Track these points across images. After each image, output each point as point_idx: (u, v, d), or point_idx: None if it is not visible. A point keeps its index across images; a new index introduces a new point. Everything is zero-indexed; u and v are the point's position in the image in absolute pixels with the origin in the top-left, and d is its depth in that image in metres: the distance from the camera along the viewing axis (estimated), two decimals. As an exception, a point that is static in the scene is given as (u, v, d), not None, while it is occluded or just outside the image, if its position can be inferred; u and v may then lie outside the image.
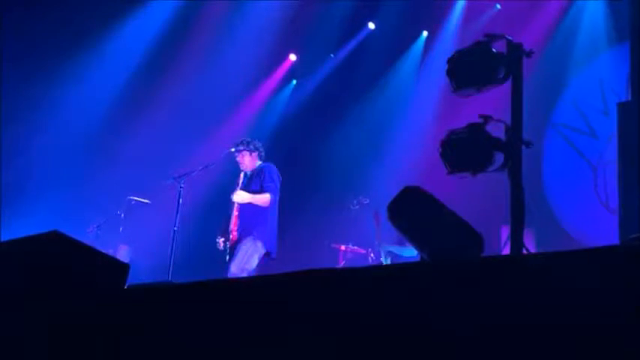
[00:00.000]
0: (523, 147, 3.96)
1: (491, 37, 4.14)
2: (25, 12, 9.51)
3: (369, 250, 8.98)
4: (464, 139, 3.99)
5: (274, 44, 10.81)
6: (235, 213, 7.24)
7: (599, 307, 1.99)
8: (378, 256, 8.72)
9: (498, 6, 10.03)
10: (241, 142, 7.57)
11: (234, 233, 7.18)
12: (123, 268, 2.94)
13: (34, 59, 9.82)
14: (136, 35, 10.48)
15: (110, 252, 8.22)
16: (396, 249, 8.55)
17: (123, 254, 9.70)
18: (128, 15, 10.42)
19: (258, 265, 7.16)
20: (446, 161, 4.03)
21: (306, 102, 11.42)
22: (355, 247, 9.20)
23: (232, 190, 7.36)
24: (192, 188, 8.24)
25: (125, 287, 2.99)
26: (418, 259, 8.06)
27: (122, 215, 9.07)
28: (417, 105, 10.71)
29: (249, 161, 7.48)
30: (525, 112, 4.01)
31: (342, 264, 9.15)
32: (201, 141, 10.49)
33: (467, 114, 4.23)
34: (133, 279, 3.39)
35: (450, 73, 4.20)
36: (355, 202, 9.27)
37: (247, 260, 7.04)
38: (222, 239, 7.30)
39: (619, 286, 1.99)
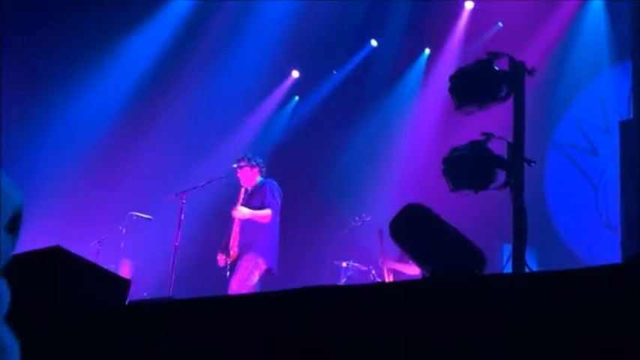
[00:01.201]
0: (525, 165, 3.96)
1: (493, 55, 4.16)
2: (29, 27, 9.55)
3: (371, 267, 8.95)
4: (466, 156, 4.00)
5: (277, 61, 10.84)
6: (236, 229, 7.23)
7: (601, 325, 1.99)
8: (380, 273, 8.69)
9: (500, 24, 10.06)
10: (242, 158, 7.58)
11: (235, 249, 7.16)
12: (124, 283, 2.94)
13: (37, 75, 9.85)
14: (138, 51, 10.51)
15: (112, 267, 8.22)
16: (399, 266, 8.51)
17: (126, 269, 9.68)
18: (130, 32, 10.45)
19: (259, 281, 7.14)
20: (448, 179, 4.04)
21: (308, 118, 11.43)
22: (357, 264, 9.16)
23: (233, 206, 7.36)
24: (194, 204, 8.24)
25: (126, 303, 2.98)
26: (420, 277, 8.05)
27: (124, 230, 9.06)
28: (420, 122, 10.72)
29: (250, 177, 7.48)
30: (527, 129, 4.02)
31: (343, 281, 9.13)
32: (204, 157, 10.49)
33: (469, 131, 4.23)
34: (134, 294, 3.38)
35: (452, 90, 4.21)
36: (357, 218, 9.25)
37: (248, 276, 7.02)
38: (224, 256, 7.28)
39: (621, 304, 1.99)
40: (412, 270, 8.25)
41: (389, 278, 8.42)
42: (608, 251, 7.13)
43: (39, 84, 9.84)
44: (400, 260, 8.41)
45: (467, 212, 6.30)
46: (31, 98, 9.74)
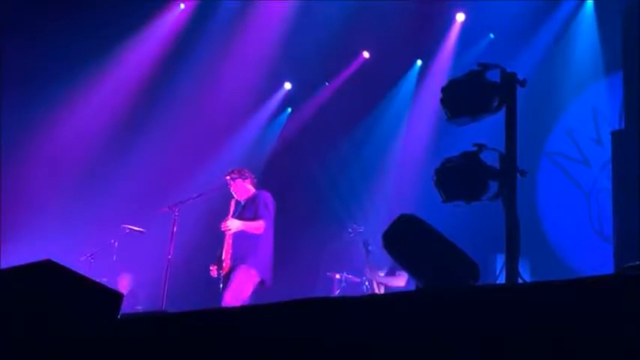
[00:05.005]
0: (517, 175, 3.97)
1: (484, 66, 4.17)
2: (25, 40, 9.56)
3: (364, 278, 8.95)
4: (458, 167, 4.00)
5: (269, 72, 10.86)
6: (229, 241, 7.19)
7: (593, 336, 1.99)
8: (372, 284, 8.69)
9: (492, 35, 10.11)
10: (233, 171, 7.56)
11: (228, 262, 7.11)
12: (116, 297, 2.93)
13: (31, 88, 9.84)
14: (128, 63, 10.51)
15: (104, 280, 8.19)
16: (384, 279, 8.49)
17: (125, 282, 9.66)
18: (124, 45, 10.46)
19: (253, 293, 7.10)
20: (441, 190, 4.04)
21: (300, 130, 11.45)
22: (350, 276, 9.16)
23: (224, 219, 7.29)
24: (187, 216, 8.22)
25: (119, 316, 2.97)
26: (404, 289, 8.08)
27: (116, 244, 9.04)
28: (412, 133, 10.74)
29: (243, 189, 7.45)
30: (519, 140, 4.03)
31: (336, 292, 9.11)
32: (197, 169, 10.49)
33: (462, 142, 4.24)
34: (128, 307, 3.37)
35: (444, 101, 4.22)
36: (350, 230, 9.25)
37: (241, 289, 6.98)
38: (217, 268, 7.23)
39: (614, 315, 1.99)
40: (397, 282, 8.26)
41: (379, 290, 8.42)
42: (601, 261, 7.15)
43: (29, 94, 9.82)
44: (389, 273, 8.42)
45: (460, 223, 6.31)
46: (22, 110, 9.72)
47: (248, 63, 10.65)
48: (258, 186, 7.61)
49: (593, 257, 8.35)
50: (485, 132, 4.62)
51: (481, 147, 4.02)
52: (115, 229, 9.08)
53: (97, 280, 3.16)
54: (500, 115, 4.15)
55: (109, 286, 3.18)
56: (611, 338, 1.96)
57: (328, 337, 2.34)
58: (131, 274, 9.73)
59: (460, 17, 10.27)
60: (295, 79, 11.48)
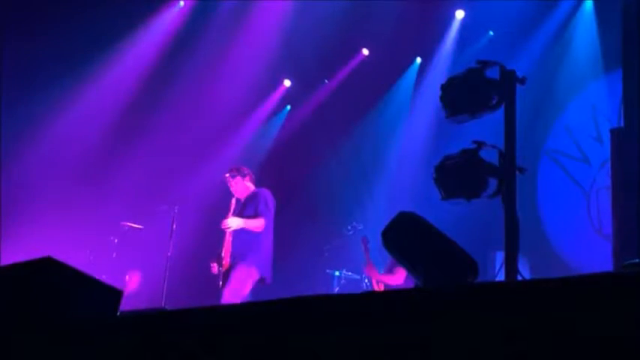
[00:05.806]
0: (517, 173, 3.98)
1: (484, 64, 4.17)
2: (25, 38, 9.55)
3: (363, 276, 8.95)
4: (458, 164, 4.01)
5: (269, 70, 10.85)
6: (229, 238, 7.21)
7: (592, 335, 1.99)
8: (372, 282, 8.69)
9: (491, 33, 10.10)
10: (233, 168, 7.58)
11: (227, 259, 7.13)
12: (116, 294, 2.93)
13: (31, 85, 9.83)
14: (129, 60, 10.51)
15: (103, 278, 8.18)
16: (383, 277, 8.48)
17: (135, 280, 9.66)
18: (123, 42, 10.45)
19: (253, 290, 7.12)
20: (440, 187, 4.05)
21: (300, 127, 11.44)
22: (349, 273, 9.17)
23: (224, 217, 7.31)
24: (187, 214, 8.22)
25: (118, 313, 2.97)
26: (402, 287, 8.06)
27: (115, 241, 9.04)
28: (412, 130, 10.74)
29: (243, 187, 7.47)
30: (519, 138, 4.04)
31: (336, 290, 9.12)
32: (196, 166, 10.48)
33: (461, 139, 4.24)
34: (127, 304, 3.36)
35: (443, 99, 4.23)
36: (349, 227, 9.26)
37: (241, 286, 7.00)
38: (215, 265, 7.25)
39: (612, 313, 1.99)
40: (396, 280, 8.26)
41: (379, 287, 8.42)
42: (600, 259, 7.16)
43: (28, 93, 9.82)
44: (388, 271, 8.41)
45: (459, 220, 6.31)
46: (21, 109, 9.72)
47: (247, 60, 10.64)
48: (258, 183, 7.62)
49: (592, 255, 8.35)
50: (484, 129, 4.62)
51: (481, 144, 4.03)
52: (115, 226, 9.09)
53: (97, 277, 3.16)
54: (500, 113, 4.15)
55: (111, 283, 3.19)
56: (609, 337, 1.96)
57: (327, 336, 2.34)
58: (141, 272, 9.74)
59: (459, 14, 10.27)
60: (295, 76, 11.47)
